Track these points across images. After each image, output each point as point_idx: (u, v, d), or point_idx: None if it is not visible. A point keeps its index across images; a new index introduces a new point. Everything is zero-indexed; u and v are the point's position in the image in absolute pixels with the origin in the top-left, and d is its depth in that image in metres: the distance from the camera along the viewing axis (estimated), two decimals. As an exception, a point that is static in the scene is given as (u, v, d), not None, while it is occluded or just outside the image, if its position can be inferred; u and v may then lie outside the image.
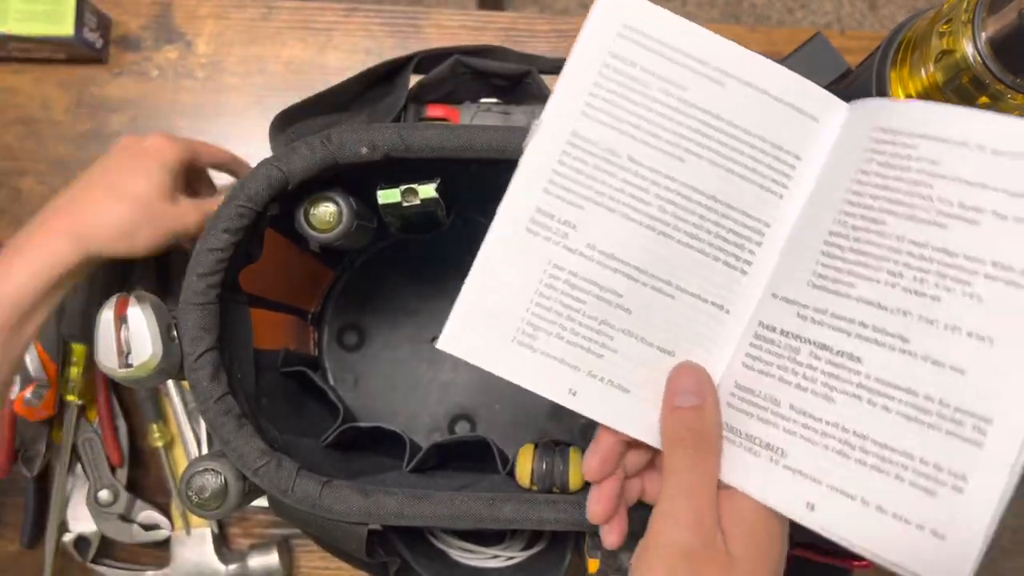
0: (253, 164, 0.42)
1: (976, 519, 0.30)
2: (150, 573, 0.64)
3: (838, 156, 0.37)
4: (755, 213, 0.38)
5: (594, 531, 0.44)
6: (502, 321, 0.38)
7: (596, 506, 0.38)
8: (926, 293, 0.33)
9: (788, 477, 0.35)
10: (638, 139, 0.37)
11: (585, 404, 0.38)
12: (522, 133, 0.39)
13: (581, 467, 0.38)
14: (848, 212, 0.35)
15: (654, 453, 0.39)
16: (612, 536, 0.38)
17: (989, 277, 0.31)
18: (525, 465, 0.47)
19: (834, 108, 0.38)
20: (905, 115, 0.35)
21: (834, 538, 0.33)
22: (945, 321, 0.32)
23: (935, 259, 0.33)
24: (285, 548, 0.66)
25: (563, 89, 0.37)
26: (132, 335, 0.41)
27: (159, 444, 0.64)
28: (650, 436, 0.38)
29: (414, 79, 0.50)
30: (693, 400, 0.37)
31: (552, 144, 0.37)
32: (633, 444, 0.38)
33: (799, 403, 0.35)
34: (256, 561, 0.65)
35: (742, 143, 0.37)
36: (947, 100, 0.49)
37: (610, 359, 0.38)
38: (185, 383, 0.62)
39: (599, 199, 0.37)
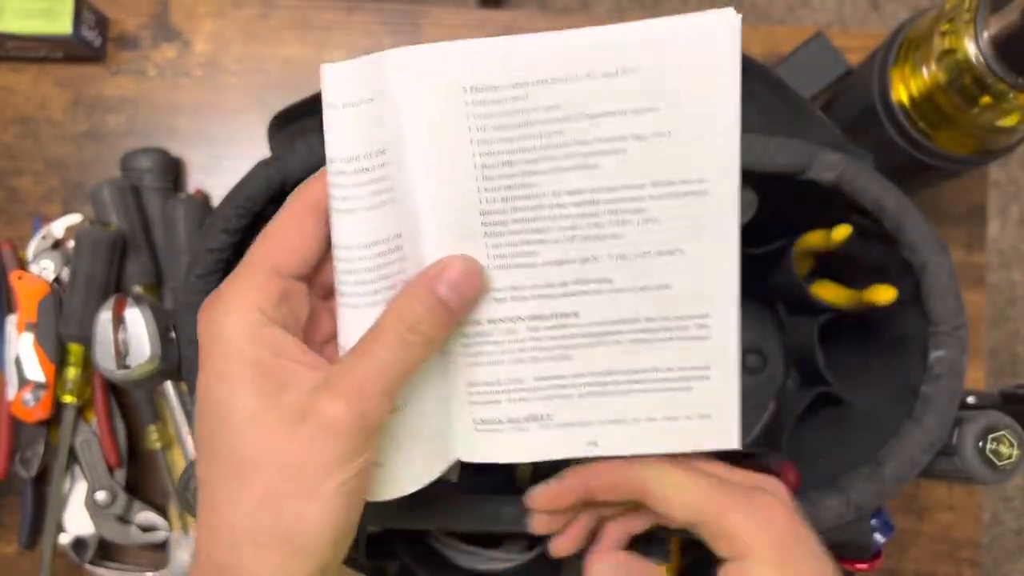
0: (252, 164, 0.41)
1: (728, 389, 0.35)
2: (148, 575, 0.64)
3: (434, 132, 0.32)
4: (379, 236, 0.33)
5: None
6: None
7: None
8: (606, 235, 0.33)
9: (563, 432, 0.36)
10: None
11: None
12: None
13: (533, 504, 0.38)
14: (488, 189, 0.33)
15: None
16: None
17: (654, 197, 0.32)
18: (526, 466, 0.47)
19: (383, 71, 0.31)
20: (493, 67, 0.31)
21: (622, 455, 0.37)
22: (635, 252, 0.33)
23: (600, 200, 0.33)
24: (284, 549, 0.66)
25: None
26: (130, 336, 0.41)
27: (157, 446, 0.64)
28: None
29: (413, 78, 0.50)
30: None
31: None
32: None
33: (541, 372, 0.36)
34: (255, 562, 0.64)
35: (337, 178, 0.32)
36: (950, 99, 0.48)
37: None
38: (183, 385, 0.62)
39: None
